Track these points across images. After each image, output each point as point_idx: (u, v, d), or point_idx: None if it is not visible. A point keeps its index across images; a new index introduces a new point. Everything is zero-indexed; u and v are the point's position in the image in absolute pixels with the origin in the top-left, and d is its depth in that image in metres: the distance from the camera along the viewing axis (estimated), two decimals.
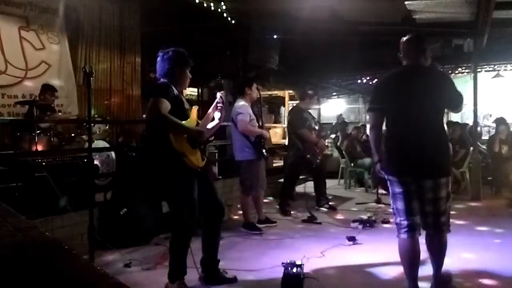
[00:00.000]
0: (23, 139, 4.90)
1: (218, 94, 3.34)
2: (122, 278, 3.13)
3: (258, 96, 5.10)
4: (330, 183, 7.13)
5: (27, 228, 1.79)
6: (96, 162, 5.17)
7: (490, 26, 6.43)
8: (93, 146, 4.46)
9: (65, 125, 5.73)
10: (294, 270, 3.02)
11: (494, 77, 10.70)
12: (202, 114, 3.40)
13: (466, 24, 6.95)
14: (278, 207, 5.93)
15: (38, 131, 4.95)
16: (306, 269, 3.23)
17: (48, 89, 5.66)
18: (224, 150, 6.80)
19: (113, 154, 5.59)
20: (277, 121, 15.16)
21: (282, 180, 6.52)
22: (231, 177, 5.98)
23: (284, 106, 14.95)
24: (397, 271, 3.31)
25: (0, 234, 1.70)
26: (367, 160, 7.83)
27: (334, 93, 14.58)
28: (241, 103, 4.88)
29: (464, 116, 10.51)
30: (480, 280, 3.27)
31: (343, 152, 8.34)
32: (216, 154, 6.18)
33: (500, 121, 7.76)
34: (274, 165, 9.02)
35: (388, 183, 2.90)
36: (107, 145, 5.82)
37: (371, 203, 6.41)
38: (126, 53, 7.56)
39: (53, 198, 3.92)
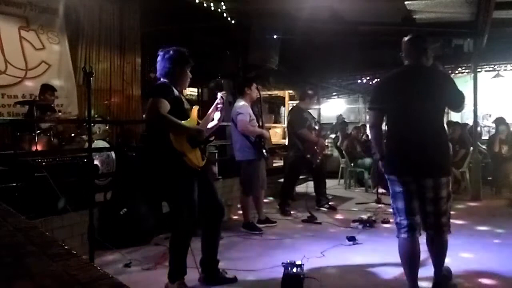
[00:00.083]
0: (23, 139, 4.90)
1: (219, 94, 3.35)
2: (122, 278, 3.13)
3: (258, 96, 5.11)
4: (330, 183, 7.13)
5: (27, 228, 1.79)
6: (96, 162, 5.17)
7: (490, 26, 6.43)
8: (93, 146, 4.46)
9: (65, 125, 5.72)
10: (294, 270, 3.02)
11: (494, 77, 10.70)
12: (202, 114, 3.40)
13: (466, 24, 6.95)
14: (278, 207, 5.93)
15: (38, 131, 4.95)
16: (306, 269, 3.23)
17: (47, 89, 5.66)
18: (224, 150, 6.80)
19: (113, 154, 5.59)
20: (277, 121, 15.17)
21: (282, 180, 6.52)
22: (231, 177, 5.98)
23: (284, 106, 14.96)
24: (397, 271, 3.32)
25: (0, 234, 1.70)
26: (367, 160, 7.84)
27: (334, 93, 14.57)
28: (241, 103, 4.88)
29: (464, 116, 10.51)
30: (480, 280, 3.27)
31: (343, 152, 8.35)
32: (216, 154, 6.17)
33: (499, 121, 7.77)
34: (274, 165, 9.02)
35: (389, 182, 2.91)
36: (107, 145, 5.82)
37: (371, 203, 6.41)
38: (126, 53, 7.56)
39: (53, 198, 3.92)
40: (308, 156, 5.70)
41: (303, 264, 3.12)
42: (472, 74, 7.44)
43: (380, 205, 6.19)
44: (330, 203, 6.18)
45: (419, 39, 2.91)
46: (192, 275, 3.17)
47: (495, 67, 10.28)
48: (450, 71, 10.18)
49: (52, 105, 5.66)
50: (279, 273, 3.11)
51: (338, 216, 5.67)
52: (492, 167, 7.65)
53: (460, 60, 9.33)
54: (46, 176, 3.90)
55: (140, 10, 7.58)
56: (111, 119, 6.93)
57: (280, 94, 14.07)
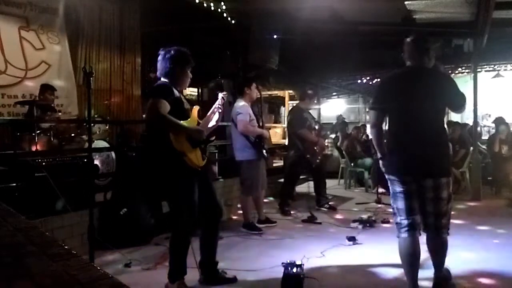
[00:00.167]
0: (23, 139, 4.89)
1: (220, 95, 3.35)
2: (122, 278, 3.13)
3: (258, 96, 5.11)
4: (330, 183, 7.13)
5: (27, 228, 1.79)
6: (96, 162, 5.17)
7: (490, 26, 6.43)
8: (93, 146, 4.46)
9: (65, 125, 5.72)
10: (294, 270, 3.02)
11: (494, 77, 10.71)
12: (202, 114, 3.40)
13: (466, 24, 6.95)
14: (278, 207, 5.93)
15: (38, 131, 4.95)
16: (306, 269, 3.23)
17: (47, 89, 5.67)
18: (224, 150, 6.80)
19: (113, 154, 5.59)
20: (277, 121, 15.18)
21: (282, 180, 6.52)
22: (231, 177, 5.98)
23: (284, 106, 14.97)
24: (397, 271, 3.32)
25: (0, 234, 1.70)
26: (367, 160, 7.84)
27: (334, 93, 14.58)
28: (241, 103, 4.88)
29: (464, 116, 10.50)
30: (480, 280, 3.27)
31: (343, 152, 8.35)
32: (216, 154, 6.18)
33: (499, 121, 7.77)
34: (274, 165, 9.02)
35: (389, 182, 2.91)
36: (107, 145, 5.82)
37: (371, 203, 6.41)
38: (126, 53, 7.55)
39: (53, 198, 3.93)
40: (308, 156, 5.70)
41: (303, 264, 3.12)
42: (472, 74, 7.45)
43: (380, 205, 6.19)
44: (330, 203, 6.18)
45: (422, 40, 2.92)
46: (192, 275, 3.17)
47: (495, 67, 10.28)
48: (450, 71, 10.18)
49: (52, 105, 5.66)
50: (279, 273, 3.11)
51: (338, 216, 5.67)
52: (492, 167, 7.65)
53: (460, 60, 9.34)
54: (46, 176, 3.91)
55: (140, 10, 7.58)
56: (111, 119, 6.93)
57: (280, 94, 14.07)
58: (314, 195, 6.15)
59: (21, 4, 6.14)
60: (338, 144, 9.17)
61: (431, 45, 2.92)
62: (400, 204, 2.82)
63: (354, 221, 5.04)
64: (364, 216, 5.17)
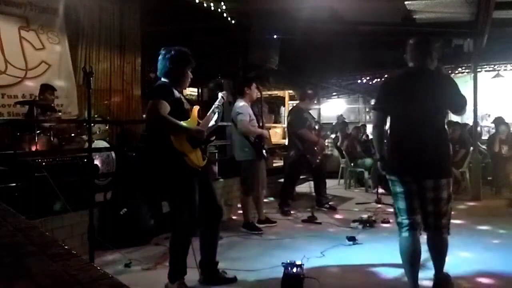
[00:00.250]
0: (23, 139, 4.89)
1: (220, 94, 3.35)
2: (122, 278, 3.13)
3: (259, 95, 5.11)
4: (330, 183, 7.12)
5: (27, 228, 1.79)
6: (96, 162, 5.17)
7: (490, 26, 6.43)
8: (93, 146, 4.46)
9: (65, 125, 5.72)
10: (294, 270, 3.02)
11: (494, 77, 10.70)
12: (202, 114, 3.40)
13: (466, 24, 6.95)
14: (278, 207, 5.93)
15: (38, 131, 4.95)
16: (306, 269, 3.23)
17: (47, 89, 5.67)
18: (224, 150, 6.80)
19: (113, 154, 5.59)
20: (277, 121, 15.17)
21: (282, 180, 6.52)
22: (231, 177, 5.98)
23: (284, 106, 14.97)
24: (397, 271, 3.32)
25: (0, 234, 1.70)
26: (367, 160, 7.83)
27: (334, 93, 14.58)
28: (241, 103, 4.88)
29: (464, 116, 10.48)
30: (480, 280, 3.27)
31: (343, 152, 8.35)
32: (216, 154, 6.18)
33: (499, 121, 7.77)
34: (274, 165, 9.02)
35: (390, 182, 2.92)
36: (107, 145, 5.82)
37: (371, 203, 6.40)
38: (126, 53, 7.55)
39: (53, 198, 3.92)
40: (308, 156, 5.70)
41: (303, 264, 3.12)
42: (472, 74, 7.44)
43: (380, 205, 6.19)
44: (330, 203, 6.18)
45: (425, 42, 2.94)
46: (192, 275, 3.17)
47: (495, 67, 10.28)
48: (450, 71, 10.19)
49: (52, 105, 5.66)
50: (279, 273, 3.12)
51: (338, 216, 5.67)
52: (492, 167, 7.65)
53: (460, 60, 9.33)
54: (46, 176, 3.90)
55: (140, 10, 7.58)
56: (111, 119, 6.93)
57: (280, 94, 14.08)
58: (314, 195, 6.15)
59: (21, 4, 6.14)
60: (338, 144, 9.17)
61: (434, 47, 2.94)
62: (401, 204, 2.83)
63: (354, 221, 5.04)
64: (364, 216, 5.16)
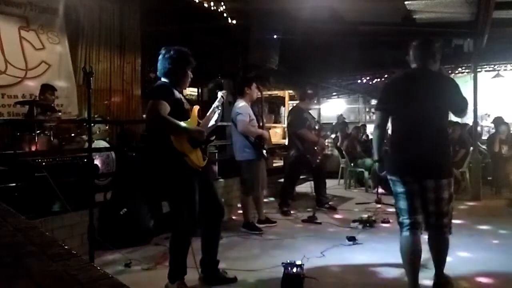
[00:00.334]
0: (23, 139, 4.89)
1: (220, 94, 3.35)
2: (122, 278, 3.13)
3: (259, 95, 5.11)
4: (330, 183, 7.12)
5: (27, 228, 1.79)
6: (96, 162, 5.17)
7: (490, 26, 6.43)
8: (93, 146, 4.46)
9: (65, 125, 5.72)
10: (294, 270, 3.02)
11: (494, 77, 10.71)
12: (202, 114, 3.40)
13: (466, 24, 6.95)
14: (278, 207, 5.93)
15: (38, 131, 4.95)
16: (306, 269, 3.23)
17: (48, 89, 5.67)
18: (224, 150, 6.80)
19: (113, 154, 5.59)
20: (277, 121, 15.18)
21: (282, 180, 6.52)
22: (231, 177, 5.98)
23: (284, 106, 14.97)
24: (397, 271, 3.32)
25: (0, 234, 1.70)
26: (367, 160, 7.83)
27: (334, 93, 14.59)
28: (241, 103, 4.88)
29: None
30: (480, 280, 3.27)
31: (343, 152, 8.35)
32: (216, 154, 6.18)
33: (498, 121, 7.77)
34: (274, 165, 9.02)
35: (391, 183, 2.94)
36: (107, 145, 5.82)
37: (371, 203, 6.41)
38: (126, 53, 7.56)
39: (53, 198, 3.92)
40: (308, 156, 5.70)
41: (303, 264, 3.12)
42: (472, 74, 7.44)
43: (380, 205, 6.19)
44: (330, 203, 6.19)
45: (428, 43, 2.95)
46: (192, 275, 3.17)
47: (495, 67, 10.29)
48: (450, 71, 10.19)
49: (52, 105, 5.66)
50: (279, 273, 3.12)
51: (338, 216, 5.67)
52: (492, 167, 7.65)
53: (460, 60, 9.33)
54: (46, 176, 3.90)
55: (140, 10, 7.59)
56: (111, 119, 6.93)
57: (280, 94, 14.07)
58: (314, 195, 6.15)
59: (21, 4, 6.14)
60: (338, 144, 9.17)
61: (437, 48, 2.95)
62: (402, 204, 2.84)
63: (354, 221, 5.04)
64: (364, 216, 5.16)
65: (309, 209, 5.58)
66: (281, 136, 13.25)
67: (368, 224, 4.95)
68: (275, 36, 7.50)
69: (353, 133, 8.91)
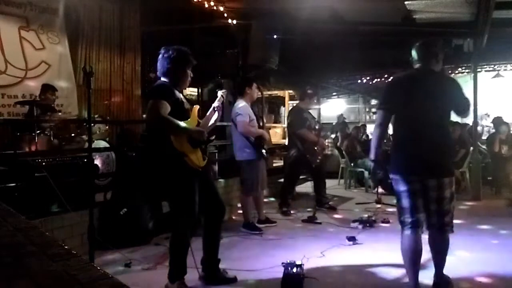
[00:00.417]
0: (23, 139, 4.89)
1: (219, 93, 3.35)
2: (122, 278, 3.12)
3: (259, 95, 5.11)
4: (330, 183, 7.13)
5: (27, 228, 1.79)
6: (96, 162, 5.17)
7: (490, 26, 6.44)
8: (93, 146, 4.45)
9: (65, 125, 5.72)
10: (294, 270, 3.02)
11: (494, 77, 10.71)
12: (202, 114, 3.40)
13: (466, 24, 6.95)
14: (278, 207, 5.93)
15: (38, 131, 4.95)
16: (306, 269, 3.23)
17: (48, 89, 5.67)
18: (224, 150, 6.80)
19: (113, 154, 5.59)
20: (277, 121, 15.17)
21: (282, 180, 6.52)
22: (231, 177, 5.98)
23: (284, 106, 14.97)
24: (397, 271, 3.32)
25: (0, 234, 1.70)
26: (367, 160, 7.82)
27: (334, 93, 14.59)
28: (241, 104, 4.88)
29: None
30: (480, 280, 3.27)
31: (343, 152, 8.35)
32: (216, 154, 6.18)
33: (498, 121, 7.76)
34: (274, 165, 9.01)
35: (393, 181, 2.94)
36: (107, 145, 5.82)
37: (371, 203, 6.41)
38: (126, 53, 7.56)
39: (53, 198, 3.92)
40: (308, 156, 5.70)
41: (303, 264, 3.13)
42: (472, 74, 7.45)
43: (380, 205, 6.19)
44: (330, 203, 6.19)
45: (431, 44, 2.97)
46: (192, 275, 3.17)
47: (495, 67, 10.29)
48: (450, 71, 10.19)
49: (53, 105, 5.66)
50: (279, 273, 3.12)
51: (338, 216, 5.67)
52: (492, 167, 7.65)
53: (460, 60, 9.32)
54: (46, 176, 3.90)
55: (140, 10, 7.59)
56: (111, 119, 6.93)
57: (280, 94, 14.07)
58: (314, 195, 6.15)
59: (21, 4, 6.15)
60: (338, 144, 9.17)
61: (440, 49, 2.97)
62: (405, 203, 2.85)
63: (354, 221, 5.04)
64: (364, 216, 5.17)
65: (309, 209, 5.59)
66: (281, 136, 13.25)
67: (368, 224, 4.95)
68: (275, 36, 7.50)
69: (353, 133, 8.91)
